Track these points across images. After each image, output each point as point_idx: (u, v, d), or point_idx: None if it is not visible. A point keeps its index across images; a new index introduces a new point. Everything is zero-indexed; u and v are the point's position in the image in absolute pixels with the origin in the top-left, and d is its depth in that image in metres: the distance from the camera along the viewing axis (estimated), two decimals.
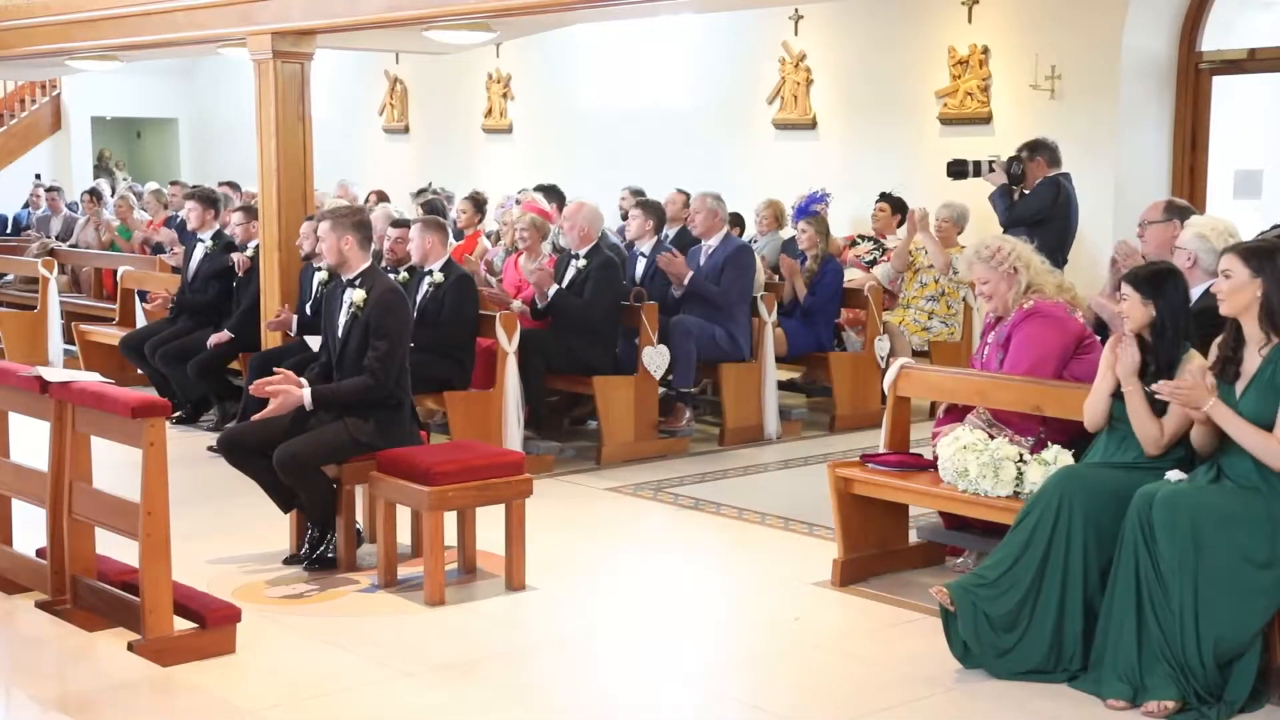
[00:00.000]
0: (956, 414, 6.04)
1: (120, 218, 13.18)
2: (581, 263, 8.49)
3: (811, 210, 10.07)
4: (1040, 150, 8.69)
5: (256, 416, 6.19)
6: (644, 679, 5.12)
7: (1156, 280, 5.02)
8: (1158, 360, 4.98)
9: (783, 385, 10.01)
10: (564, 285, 8.44)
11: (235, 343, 9.16)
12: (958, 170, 8.97)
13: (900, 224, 10.38)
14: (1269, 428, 4.62)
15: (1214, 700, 4.58)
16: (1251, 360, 4.73)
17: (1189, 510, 4.61)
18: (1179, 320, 4.97)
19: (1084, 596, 4.88)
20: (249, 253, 9.32)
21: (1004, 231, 8.52)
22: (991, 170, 8.74)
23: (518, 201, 10.90)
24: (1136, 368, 4.98)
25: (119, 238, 12.90)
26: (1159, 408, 4.94)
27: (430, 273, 7.84)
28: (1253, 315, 4.70)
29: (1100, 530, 4.87)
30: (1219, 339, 4.85)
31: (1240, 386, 4.74)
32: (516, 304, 8.65)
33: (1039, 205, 8.53)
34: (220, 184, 13.42)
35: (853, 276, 10.29)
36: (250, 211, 9.40)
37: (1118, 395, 5.07)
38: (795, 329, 9.42)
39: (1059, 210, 8.67)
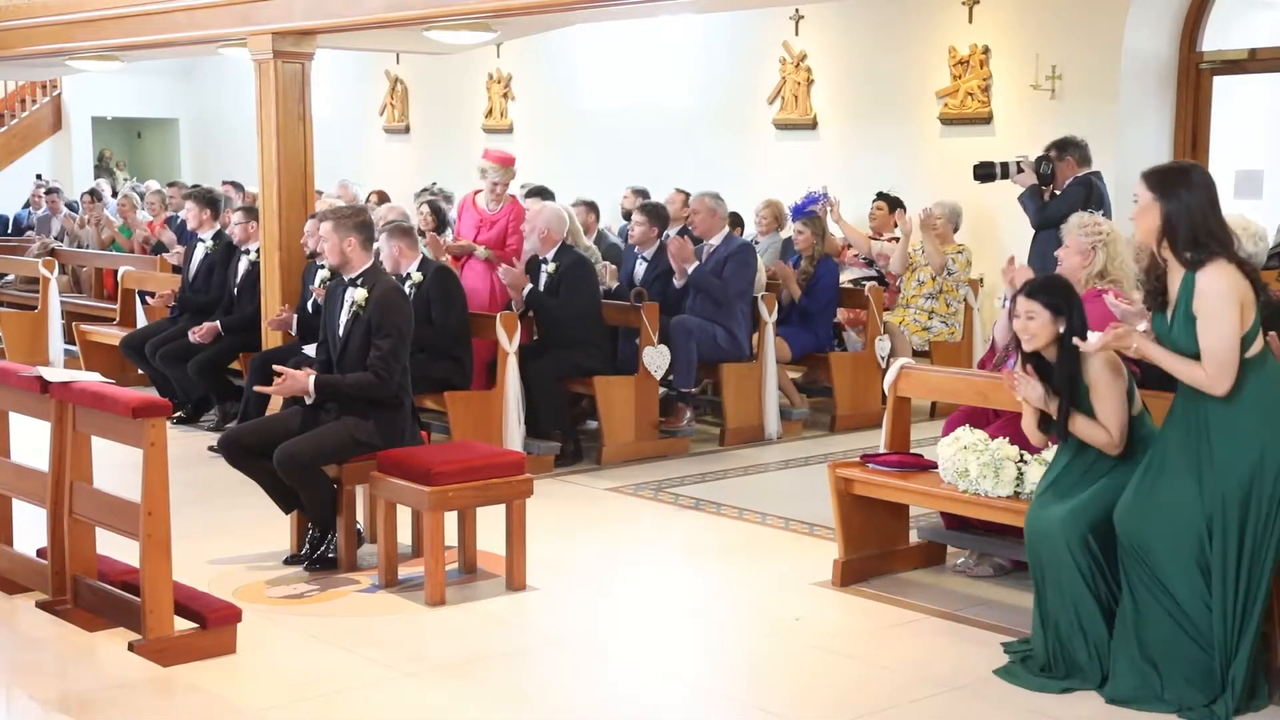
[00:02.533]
0: (965, 412, 6.05)
1: (123, 217, 13.19)
2: (550, 266, 8.45)
3: (809, 211, 10.06)
4: (1070, 149, 8.58)
5: (259, 388, 6.24)
6: (644, 679, 5.12)
7: (1065, 294, 4.94)
8: (1064, 372, 4.89)
9: (801, 387, 10.00)
10: (539, 290, 8.43)
11: (235, 343, 9.16)
12: (985, 173, 8.78)
13: (897, 224, 10.38)
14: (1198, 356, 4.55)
15: (1220, 693, 4.57)
16: (1174, 286, 4.61)
17: (1137, 538, 4.61)
18: (1082, 330, 4.88)
19: (1101, 610, 4.86)
20: (252, 256, 9.29)
21: (1035, 234, 8.49)
22: (1020, 171, 8.60)
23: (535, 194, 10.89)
24: (1044, 395, 4.94)
25: (120, 236, 12.90)
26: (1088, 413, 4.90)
27: (408, 276, 7.73)
28: (1154, 241, 4.60)
29: (1106, 552, 4.84)
30: (1145, 268, 4.75)
31: (1169, 314, 4.63)
32: (481, 250, 8.59)
33: (1070, 205, 8.29)
34: (224, 183, 13.43)
35: (853, 276, 10.31)
36: (250, 212, 9.39)
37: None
38: (794, 334, 9.42)
39: (1090, 209, 8.59)
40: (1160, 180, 4.60)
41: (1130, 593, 4.71)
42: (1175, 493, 4.59)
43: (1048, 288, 4.99)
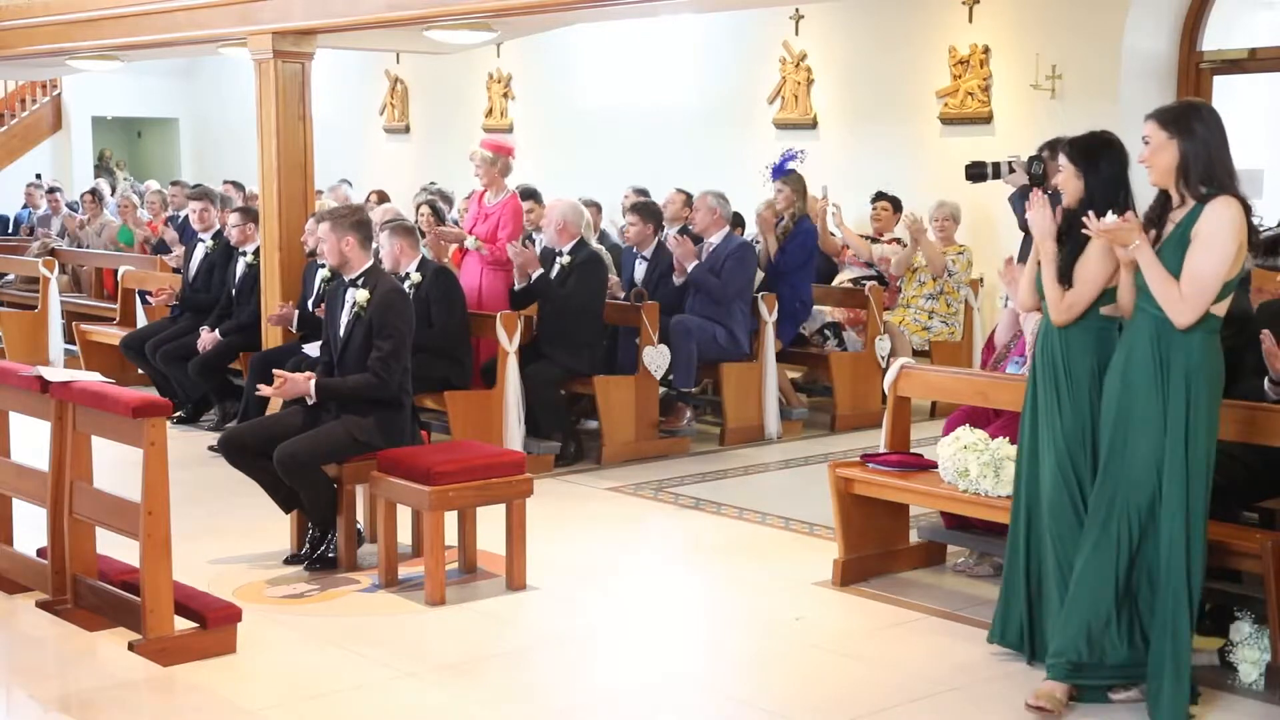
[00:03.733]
0: (966, 412, 6.05)
1: (123, 217, 13.19)
2: (565, 259, 8.44)
3: (786, 169, 10.06)
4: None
5: (261, 389, 6.25)
6: (644, 679, 5.12)
7: (1091, 152, 4.93)
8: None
9: (801, 387, 9.99)
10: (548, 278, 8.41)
11: (236, 343, 9.16)
12: (976, 173, 8.75)
13: (899, 222, 10.38)
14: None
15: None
16: (1174, 220, 4.63)
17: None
18: (1112, 193, 4.86)
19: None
20: (249, 258, 9.28)
21: (1025, 235, 8.48)
22: (1011, 171, 8.58)
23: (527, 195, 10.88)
24: (1054, 230, 4.92)
25: (121, 243, 12.90)
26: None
27: (407, 276, 7.68)
28: (1172, 179, 4.61)
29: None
30: (1151, 205, 4.75)
31: (1158, 247, 4.63)
32: (471, 240, 8.59)
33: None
34: (224, 183, 13.42)
35: (853, 276, 10.31)
36: (248, 214, 9.36)
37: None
38: (778, 323, 9.35)
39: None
40: (1174, 118, 4.62)
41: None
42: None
43: (1079, 143, 4.98)
